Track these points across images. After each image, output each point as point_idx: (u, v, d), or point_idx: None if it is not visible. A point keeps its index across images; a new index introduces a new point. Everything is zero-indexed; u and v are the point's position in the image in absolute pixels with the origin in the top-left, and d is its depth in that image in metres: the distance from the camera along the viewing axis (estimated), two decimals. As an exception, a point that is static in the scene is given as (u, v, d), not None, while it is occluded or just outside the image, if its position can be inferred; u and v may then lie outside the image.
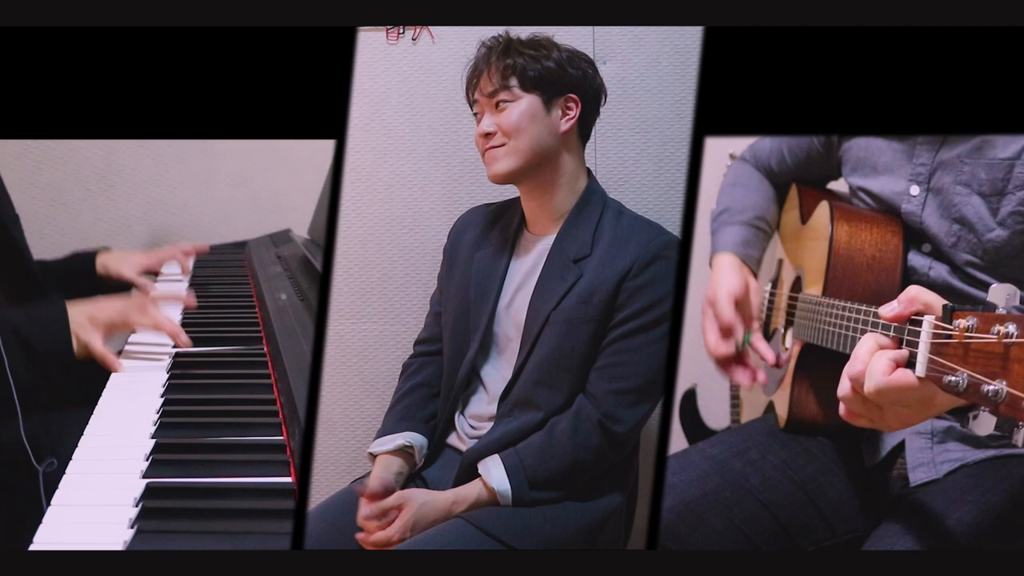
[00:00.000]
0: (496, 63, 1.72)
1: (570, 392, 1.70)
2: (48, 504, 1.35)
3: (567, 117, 1.74)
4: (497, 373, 1.78)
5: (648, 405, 1.70)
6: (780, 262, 1.80)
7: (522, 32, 1.77)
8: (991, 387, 1.00)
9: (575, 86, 1.75)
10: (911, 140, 1.48)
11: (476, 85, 1.75)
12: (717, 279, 1.65)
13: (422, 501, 1.66)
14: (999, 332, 1.00)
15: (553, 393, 1.70)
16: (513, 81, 1.71)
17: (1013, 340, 0.99)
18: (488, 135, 1.72)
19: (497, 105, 1.72)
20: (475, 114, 1.77)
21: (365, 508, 1.66)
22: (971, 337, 1.04)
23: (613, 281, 1.68)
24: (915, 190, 1.48)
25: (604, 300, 1.68)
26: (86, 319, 1.74)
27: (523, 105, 1.71)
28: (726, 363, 1.62)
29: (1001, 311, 1.02)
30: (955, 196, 1.43)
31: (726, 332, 1.60)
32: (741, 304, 1.61)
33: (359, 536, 1.66)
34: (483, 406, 1.79)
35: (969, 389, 1.03)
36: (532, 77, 1.71)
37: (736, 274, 1.64)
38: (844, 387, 1.17)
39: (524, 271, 1.79)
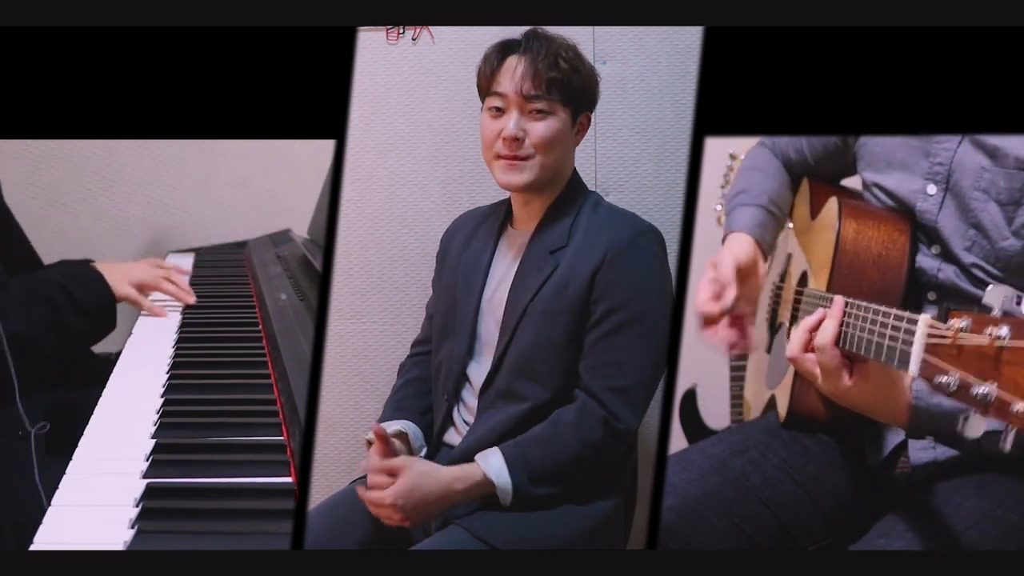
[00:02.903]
0: (543, 69, 1.67)
1: (553, 383, 1.69)
2: (39, 467, 1.47)
3: (580, 132, 1.76)
4: (482, 369, 1.78)
5: (646, 398, 1.70)
6: (789, 256, 1.80)
7: (547, 31, 1.74)
8: (981, 389, 1.00)
9: (592, 103, 1.77)
10: (926, 137, 1.48)
11: (511, 78, 1.68)
12: (727, 246, 1.64)
13: (422, 471, 1.63)
14: (992, 334, 1.00)
15: (535, 385, 1.70)
16: (555, 93, 1.68)
17: (1006, 343, 0.99)
18: (516, 140, 1.68)
19: (532, 111, 1.68)
20: (495, 107, 1.70)
21: (370, 459, 1.66)
22: (964, 338, 1.04)
23: (587, 271, 1.68)
24: (932, 189, 1.48)
25: (579, 291, 1.68)
26: (119, 281, 2.00)
27: (558, 122, 1.69)
28: (708, 323, 1.60)
29: (996, 313, 1.02)
30: (973, 201, 1.43)
31: (719, 291, 1.58)
32: (744, 275, 1.58)
33: (359, 489, 1.65)
34: (473, 402, 1.79)
35: (960, 390, 1.03)
36: (572, 94, 1.70)
37: (748, 248, 1.63)
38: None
39: (505, 266, 1.79)
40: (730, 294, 1.55)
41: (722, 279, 1.57)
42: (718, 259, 1.61)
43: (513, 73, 1.69)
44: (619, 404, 1.66)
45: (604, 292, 1.67)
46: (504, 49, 1.72)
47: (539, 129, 1.69)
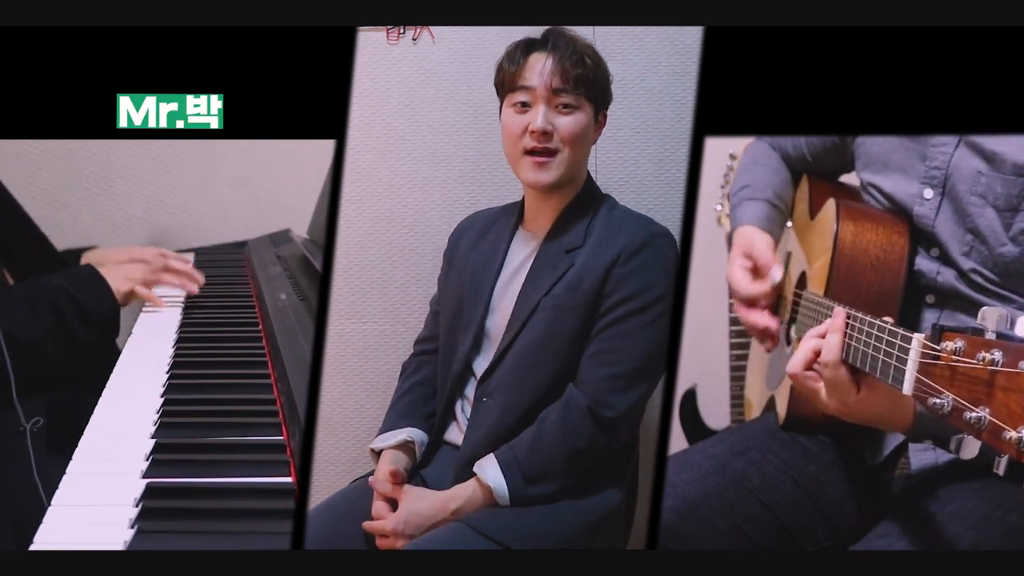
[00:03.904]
0: (571, 66, 1.69)
1: (555, 376, 1.70)
2: (37, 463, 1.49)
3: (598, 130, 1.78)
4: (487, 364, 1.78)
5: (639, 390, 1.69)
6: (789, 255, 1.80)
7: (566, 30, 1.76)
8: (974, 414, 0.99)
9: (609, 101, 1.79)
10: (923, 139, 1.48)
11: (539, 72, 1.70)
12: (749, 234, 1.66)
13: (416, 495, 1.67)
14: (984, 359, 0.99)
15: (538, 378, 1.70)
16: (582, 88, 1.70)
17: (999, 368, 0.98)
18: (545, 133, 1.69)
19: (559, 106, 1.70)
20: (521, 102, 1.71)
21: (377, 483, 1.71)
22: (958, 360, 1.03)
23: (602, 268, 1.69)
24: (929, 193, 1.48)
25: (592, 287, 1.69)
26: (122, 284, 1.98)
27: (584, 116, 1.72)
28: (753, 305, 1.64)
29: (991, 335, 1.01)
30: (970, 206, 1.43)
31: (762, 271, 1.61)
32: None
33: (365, 523, 1.69)
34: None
35: (953, 413, 1.03)
36: (596, 91, 1.73)
37: (768, 237, 1.66)
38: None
39: (517, 264, 1.80)
40: (776, 269, 1.60)
41: (763, 261, 1.60)
42: (750, 247, 1.63)
43: (541, 68, 1.70)
44: (608, 391, 1.66)
45: (615, 286, 1.69)
46: (528, 47, 1.73)
47: (567, 123, 1.70)
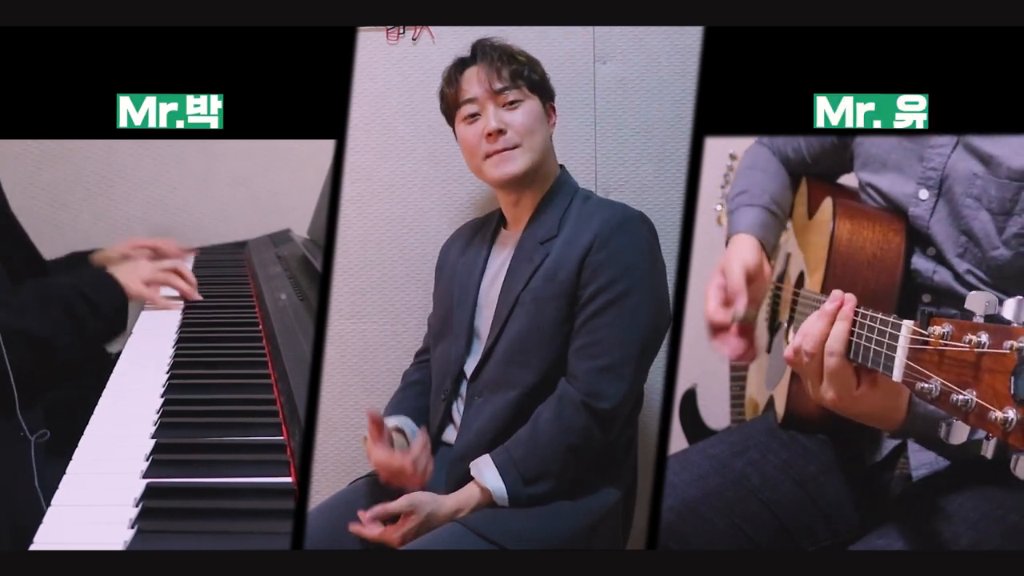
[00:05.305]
0: (502, 65, 1.76)
1: (541, 369, 1.70)
2: (39, 474, 1.49)
3: (552, 121, 1.82)
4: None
5: (631, 377, 1.69)
6: (788, 256, 1.80)
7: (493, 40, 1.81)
8: (961, 397, 1.00)
9: (553, 94, 1.84)
10: (922, 140, 1.48)
11: (477, 82, 1.76)
12: (735, 250, 1.66)
13: (429, 511, 1.65)
14: (971, 341, 1.00)
15: (524, 371, 1.71)
16: (521, 81, 1.76)
17: (985, 350, 0.98)
18: (500, 132, 1.73)
19: (506, 104, 1.75)
20: (470, 114, 1.77)
21: (373, 452, 1.68)
22: (945, 345, 1.03)
23: (577, 256, 1.71)
24: (924, 194, 1.48)
25: (569, 276, 1.70)
26: (131, 281, 2.01)
27: (534, 105, 1.77)
28: (717, 331, 1.63)
29: (978, 319, 1.01)
30: (964, 208, 1.43)
31: (730, 299, 1.60)
32: (752, 280, 1.61)
33: (353, 527, 1.66)
34: None
35: (941, 397, 1.03)
36: (535, 81, 1.78)
37: (755, 252, 1.65)
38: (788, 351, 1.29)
39: (499, 263, 1.82)
40: (741, 303, 1.57)
41: (733, 287, 1.59)
42: (726, 266, 1.62)
43: (477, 78, 1.77)
44: (602, 383, 1.66)
45: (592, 275, 1.70)
46: (460, 65, 1.81)
47: (518, 116, 1.75)
